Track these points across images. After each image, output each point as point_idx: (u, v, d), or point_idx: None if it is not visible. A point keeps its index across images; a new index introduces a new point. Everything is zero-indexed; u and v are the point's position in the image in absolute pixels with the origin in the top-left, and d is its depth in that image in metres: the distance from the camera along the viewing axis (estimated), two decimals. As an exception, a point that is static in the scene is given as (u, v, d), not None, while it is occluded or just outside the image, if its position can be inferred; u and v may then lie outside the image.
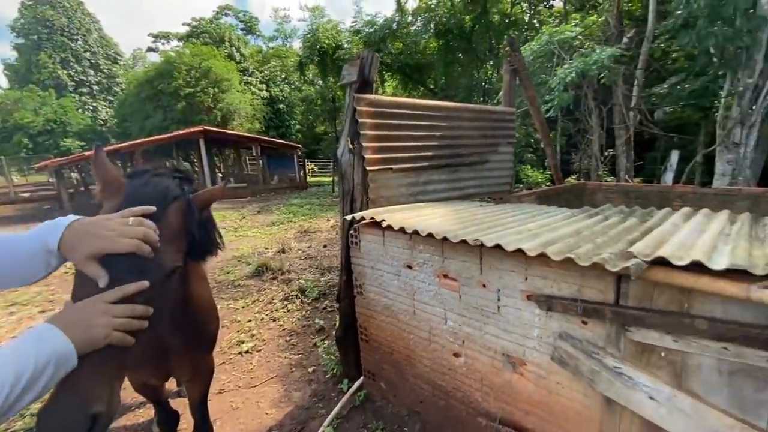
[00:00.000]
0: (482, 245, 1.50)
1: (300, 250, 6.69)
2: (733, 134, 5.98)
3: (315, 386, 2.83)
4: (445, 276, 1.87)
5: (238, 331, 3.69)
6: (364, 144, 2.45)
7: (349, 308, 2.61)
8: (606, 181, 8.87)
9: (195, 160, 17.47)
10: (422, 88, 19.15)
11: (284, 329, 3.77)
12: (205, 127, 14.60)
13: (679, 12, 5.85)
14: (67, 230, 0.77)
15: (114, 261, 0.77)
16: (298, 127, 37.87)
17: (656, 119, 9.32)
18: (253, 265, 5.48)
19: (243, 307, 4.24)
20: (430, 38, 16.50)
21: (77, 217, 0.80)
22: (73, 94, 24.07)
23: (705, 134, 8.60)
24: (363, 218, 2.20)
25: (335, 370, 2.91)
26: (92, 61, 25.75)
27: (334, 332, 3.34)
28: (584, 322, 1.43)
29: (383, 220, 1.97)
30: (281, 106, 35.13)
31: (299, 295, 4.46)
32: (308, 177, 22.26)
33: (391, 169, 2.62)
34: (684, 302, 1.19)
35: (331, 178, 20.19)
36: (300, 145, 19.74)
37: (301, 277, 4.98)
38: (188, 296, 1.25)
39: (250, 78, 30.61)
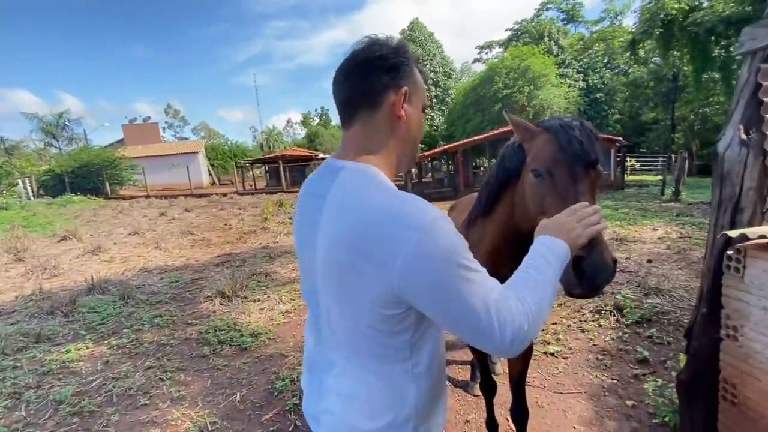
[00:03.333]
0: None
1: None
2: None
3: (636, 425, 2.38)
4: None
5: (543, 330, 3.65)
6: (771, 133, 1.74)
7: (707, 351, 1.99)
8: None
9: (503, 157, 18.61)
10: None
11: (594, 344, 3.40)
12: (518, 125, 15.23)
13: None
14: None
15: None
16: (617, 116, 32.87)
17: None
18: (558, 266, 5.26)
19: (548, 307, 4.16)
20: None
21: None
22: (419, 107, 31.34)
23: None
24: (764, 237, 1.57)
25: (667, 419, 2.34)
26: (434, 80, 32.40)
27: (674, 374, 2.68)
28: None
29: (811, 245, 1.33)
30: (599, 95, 31.49)
31: (614, 312, 3.88)
32: (627, 175, 18.96)
33: (821, 168, 1.74)
34: None
35: (658, 177, 16.29)
36: (620, 138, 17.04)
37: (618, 293, 4.32)
38: None
39: (566, 69, 29.17)
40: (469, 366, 3.06)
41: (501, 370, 2.96)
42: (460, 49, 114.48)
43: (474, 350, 2.00)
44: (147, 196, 22.88)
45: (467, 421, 2.49)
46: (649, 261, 5.70)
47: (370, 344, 0.77)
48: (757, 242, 1.68)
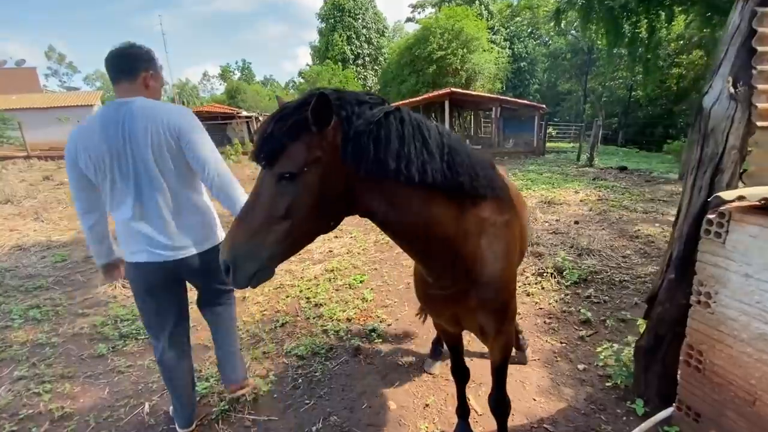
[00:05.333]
0: None
1: (546, 222, 6.03)
2: None
3: (590, 390, 2.36)
4: None
5: (491, 297, 3.57)
6: (760, 86, 1.60)
7: (673, 316, 1.94)
8: None
9: (438, 121, 18.64)
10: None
11: (540, 308, 3.40)
12: (452, 89, 15.12)
13: None
14: None
15: None
16: (536, 86, 34.83)
17: None
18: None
19: (492, 272, 4.10)
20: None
21: None
22: (352, 66, 29.75)
23: None
24: (743, 198, 1.43)
25: (620, 381, 2.34)
26: (367, 36, 30.81)
27: (608, 330, 2.71)
28: None
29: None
30: (522, 64, 32.88)
31: (555, 274, 3.95)
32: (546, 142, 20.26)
33: (800, 127, 1.65)
34: None
35: (570, 145, 17.66)
36: (544, 105, 17.93)
37: (556, 255, 4.41)
38: (462, 241, 1.23)
39: (495, 36, 29.66)
40: (429, 342, 2.84)
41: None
42: (393, 9, 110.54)
43: (441, 329, 1.75)
44: (27, 157, 18.94)
45: (426, 405, 2.26)
46: (576, 222, 6.02)
47: (190, 181, 1.69)
48: (741, 204, 1.57)
